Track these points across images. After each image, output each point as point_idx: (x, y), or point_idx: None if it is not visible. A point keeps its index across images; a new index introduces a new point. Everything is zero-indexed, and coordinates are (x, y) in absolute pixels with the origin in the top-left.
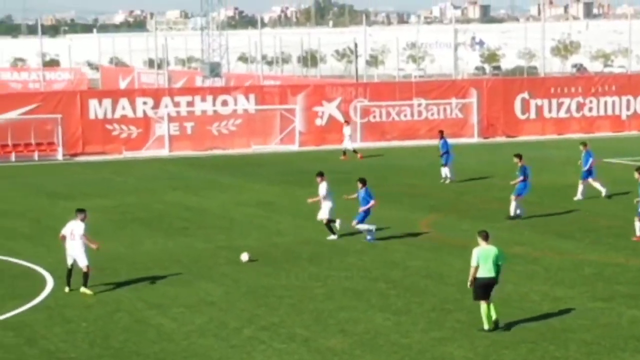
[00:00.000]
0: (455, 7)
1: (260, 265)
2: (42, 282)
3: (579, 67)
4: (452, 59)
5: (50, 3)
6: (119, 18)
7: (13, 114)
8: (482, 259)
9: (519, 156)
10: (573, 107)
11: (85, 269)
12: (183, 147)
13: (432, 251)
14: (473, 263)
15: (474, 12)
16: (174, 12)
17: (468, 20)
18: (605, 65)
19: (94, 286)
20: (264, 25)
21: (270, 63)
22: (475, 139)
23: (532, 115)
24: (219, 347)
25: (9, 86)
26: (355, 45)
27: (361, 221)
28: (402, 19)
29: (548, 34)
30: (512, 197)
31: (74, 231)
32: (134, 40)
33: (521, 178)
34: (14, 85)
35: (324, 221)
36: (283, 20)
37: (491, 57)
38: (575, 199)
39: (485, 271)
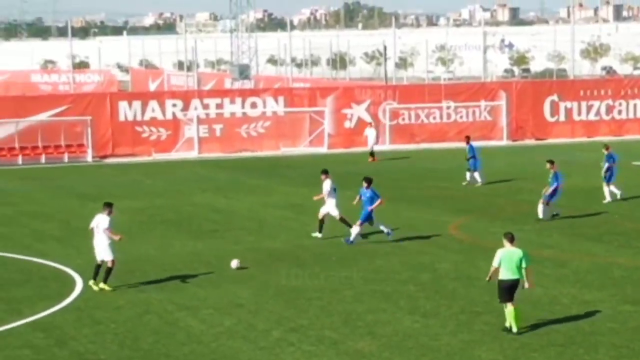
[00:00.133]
0: (485, 10)
1: (289, 267)
2: (72, 284)
3: (609, 70)
4: (481, 61)
5: (80, 5)
6: (148, 20)
7: (43, 116)
8: (505, 260)
9: (552, 162)
10: (602, 109)
11: (110, 264)
12: (212, 149)
13: (461, 254)
14: (494, 264)
15: (503, 15)
16: (203, 15)
17: (497, 23)
18: (635, 68)
19: (123, 286)
20: (293, 27)
21: (299, 65)
22: (504, 142)
23: (562, 117)
24: (247, 349)
25: (39, 88)
26: (385, 47)
27: (364, 221)
28: (431, 22)
29: (577, 36)
30: (541, 201)
31: (99, 225)
32: (163, 42)
33: (554, 186)
34: (44, 87)
35: (337, 218)
36: (312, 23)
37: (520, 59)
38: (605, 202)
39: (509, 273)
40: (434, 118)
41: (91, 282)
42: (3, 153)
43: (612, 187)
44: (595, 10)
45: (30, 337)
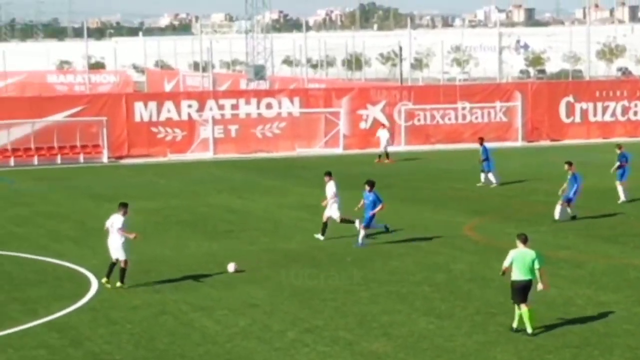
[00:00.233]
0: (500, 11)
1: (304, 268)
2: (87, 284)
3: (624, 71)
4: (496, 62)
5: (96, 6)
6: (164, 21)
7: (59, 117)
8: (517, 261)
9: (570, 163)
10: (618, 110)
11: (123, 265)
12: (227, 149)
13: (476, 254)
14: (505, 264)
15: (519, 16)
16: (218, 15)
17: (513, 24)
18: None
19: (138, 286)
20: (308, 28)
21: (314, 66)
22: (520, 143)
23: (577, 118)
24: (262, 349)
25: (55, 89)
26: (400, 48)
27: (368, 225)
28: (447, 23)
29: (593, 37)
30: (560, 202)
31: (113, 224)
32: (179, 43)
33: (575, 188)
34: (60, 88)
35: (338, 220)
36: (328, 24)
37: (536, 60)
38: (620, 201)
39: (521, 274)
40: (449, 119)
41: (104, 280)
42: (19, 153)
43: (620, 189)
44: (611, 11)
45: (46, 337)
